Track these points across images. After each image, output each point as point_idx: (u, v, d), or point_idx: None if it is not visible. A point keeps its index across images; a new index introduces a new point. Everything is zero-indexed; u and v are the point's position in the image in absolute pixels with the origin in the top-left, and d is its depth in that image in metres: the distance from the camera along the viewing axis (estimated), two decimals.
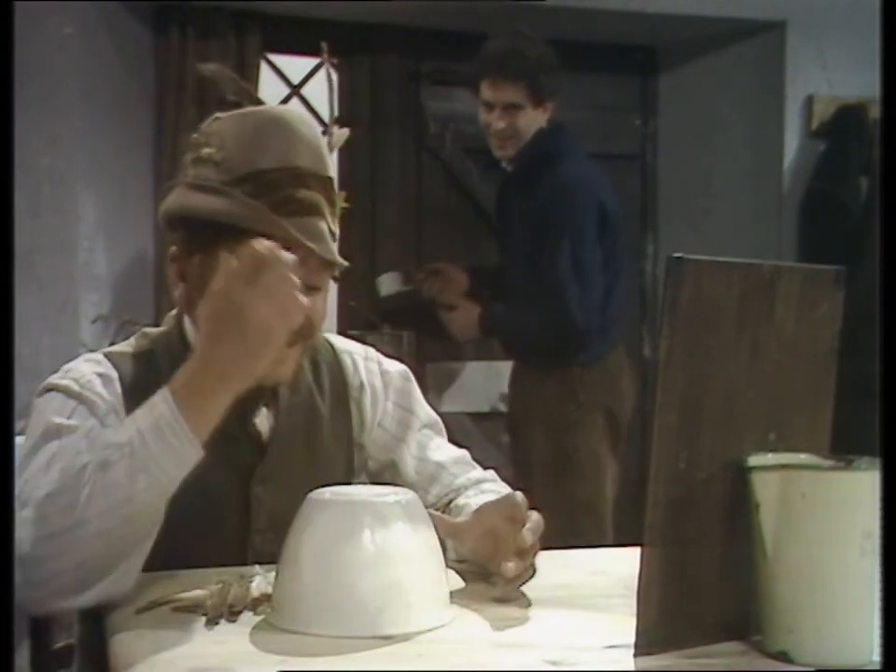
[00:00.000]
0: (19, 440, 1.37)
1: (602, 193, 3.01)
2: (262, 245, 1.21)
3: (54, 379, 1.41)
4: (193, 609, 1.20)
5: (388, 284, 3.48)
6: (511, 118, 3.02)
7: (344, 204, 3.32)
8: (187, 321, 1.47)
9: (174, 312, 1.51)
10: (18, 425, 1.38)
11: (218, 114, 1.45)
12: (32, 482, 1.23)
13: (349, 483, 1.47)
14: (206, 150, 1.39)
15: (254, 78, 3.46)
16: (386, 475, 1.56)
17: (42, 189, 3.15)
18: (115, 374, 1.41)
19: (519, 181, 3.09)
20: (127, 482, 1.15)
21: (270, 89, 3.68)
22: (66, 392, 1.37)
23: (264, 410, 1.46)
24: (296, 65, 3.79)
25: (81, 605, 1.20)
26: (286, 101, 3.77)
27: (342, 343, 1.61)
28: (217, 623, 1.17)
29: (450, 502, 1.55)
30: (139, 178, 3.38)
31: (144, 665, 1.06)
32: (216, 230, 1.35)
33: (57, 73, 3.15)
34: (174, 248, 1.43)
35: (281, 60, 3.75)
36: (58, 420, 1.33)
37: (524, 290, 3.01)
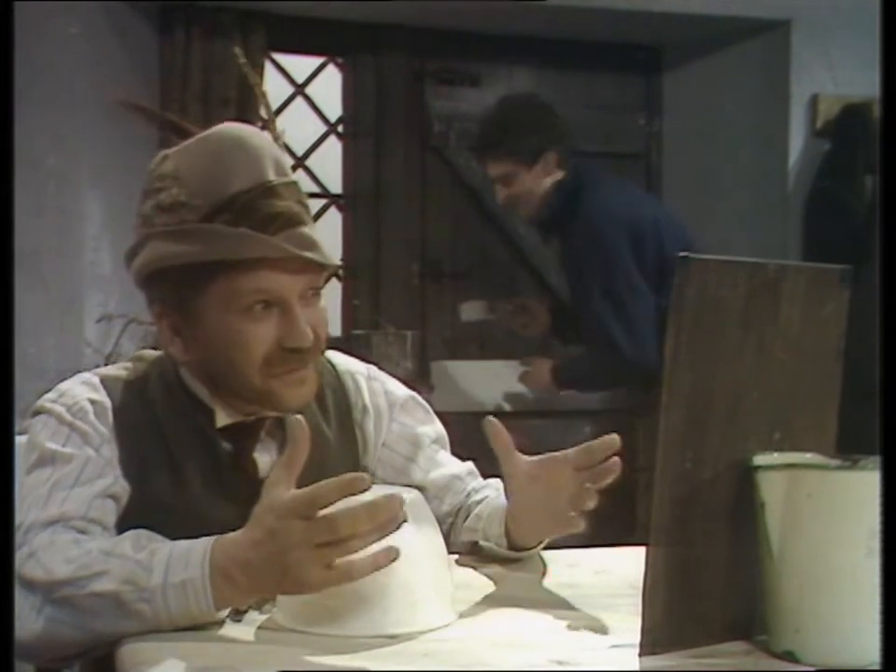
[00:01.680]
0: (20, 439, 1.36)
1: (629, 214, 3.00)
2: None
3: (48, 402, 1.36)
4: None
5: (471, 311, 3.57)
6: (509, 188, 3.06)
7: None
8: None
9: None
10: (20, 423, 1.38)
11: (165, 151, 1.40)
12: (30, 512, 1.23)
13: None
14: (168, 194, 1.34)
15: (258, 78, 3.46)
16: None
17: (47, 188, 3.16)
18: (108, 404, 1.36)
19: (548, 236, 3.22)
20: (135, 620, 1.14)
21: (274, 88, 3.68)
22: (59, 419, 1.33)
23: (265, 442, 1.41)
24: (301, 65, 3.80)
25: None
26: (290, 100, 3.78)
27: (343, 363, 1.55)
28: (222, 623, 1.17)
29: (460, 508, 1.54)
30: (145, 178, 3.37)
31: (149, 664, 1.06)
32: (207, 271, 1.30)
33: (62, 72, 3.16)
34: (158, 306, 1.37)
35: (286, 59, 3.76)
36: (52, 446, 1.31)
37: (588, 334, 3.11)
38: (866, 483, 1.03)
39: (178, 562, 1.15)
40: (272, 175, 1.32)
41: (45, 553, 1.18)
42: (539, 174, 3.02)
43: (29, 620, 1.15)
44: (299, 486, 1.15)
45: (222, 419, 1.38)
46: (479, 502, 1.51)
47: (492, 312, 3.53)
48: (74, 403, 1.35)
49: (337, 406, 1.50)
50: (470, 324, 3.58)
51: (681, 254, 1.04)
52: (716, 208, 3.87)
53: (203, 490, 1.36)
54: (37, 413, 1.37)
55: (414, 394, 1.60)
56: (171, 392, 1.40)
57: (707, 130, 3.91)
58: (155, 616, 1.13)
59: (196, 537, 1.19)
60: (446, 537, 1.40)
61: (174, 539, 1.20)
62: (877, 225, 3.11)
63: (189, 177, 1.33)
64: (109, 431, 1.34)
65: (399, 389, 1.58)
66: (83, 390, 1.37)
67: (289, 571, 1.09)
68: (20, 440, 1.36)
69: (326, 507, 1.09)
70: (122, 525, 1.30)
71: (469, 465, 1.61)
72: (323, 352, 1.42)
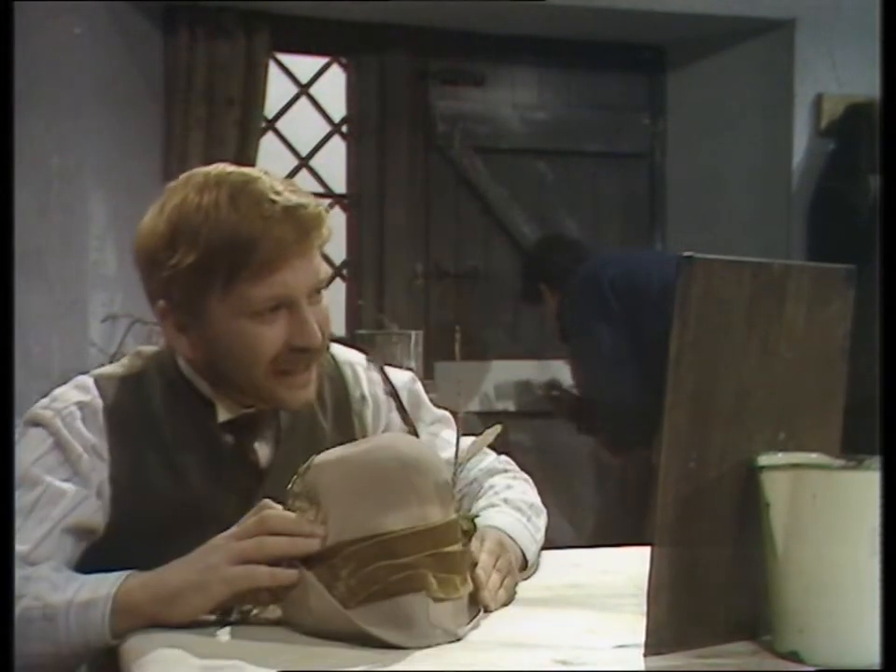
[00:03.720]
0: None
1: (597, 268, 3.25)
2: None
3: (40, 409, 1.35)
4: None
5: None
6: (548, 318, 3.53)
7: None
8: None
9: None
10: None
11: None
12: (19, 543, 1.24)
13: None
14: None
15: (262, 78, 3.47)
16: None
17: (52, 188, 3.16)
18: (100, 404, 1.36)
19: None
20: (35, 640, 1.16)
21: (278, 88, 3.68)
22: (47, 428, 1.33)
23: (263, 435, 1.41)
24: (305, 65, 3.80)
25: None
26: (294, 100, 3.78)
27: (342, 354, 1.55)
28: (227, 622, 1.18)
29: (462, 497, 1.53)
30: (149, 177, 3.38)
31: (155, 663, 1.06)
32: (217, 274, 1.30)
33: (66, 73, 3.16)
34: (163, 302, 1.35)
35: (290, 59, 3.76)
36: (29, 467, 1.30)
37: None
38: (870, 483, 1.03)
39: (92, 583, 1.18)
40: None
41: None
42: (547, 307, 3.45)
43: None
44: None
45: (224, 414, 1.39)
46: (480, 497, 1.50)
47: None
48: (64, 407, 1.34)
49: (335, 396, 1.50)
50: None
51: (685, 254, 1.04)
52: (720, 208, 3.87)
53: (202, 484, 1.36)
54: (29, 423, 1.35)
55: (414, 377, 1.59)
56: (171, 387, 1.40)
57: (710, 129, 3.91)
58: (54, 636, 1.16)
59: (194, 531, 1.20)
60: None
61: (171, 533, 1.21)
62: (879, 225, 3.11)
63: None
64: (97, 435, 1.34)
65: (398, 375, 1.58)
66: (74, 394, 1.37)
67: (199, 575, 1.14)
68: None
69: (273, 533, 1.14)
70: (116, 524, 1.32)
71: (471, 441, 1.58)
72: (326, 350, 1.42)
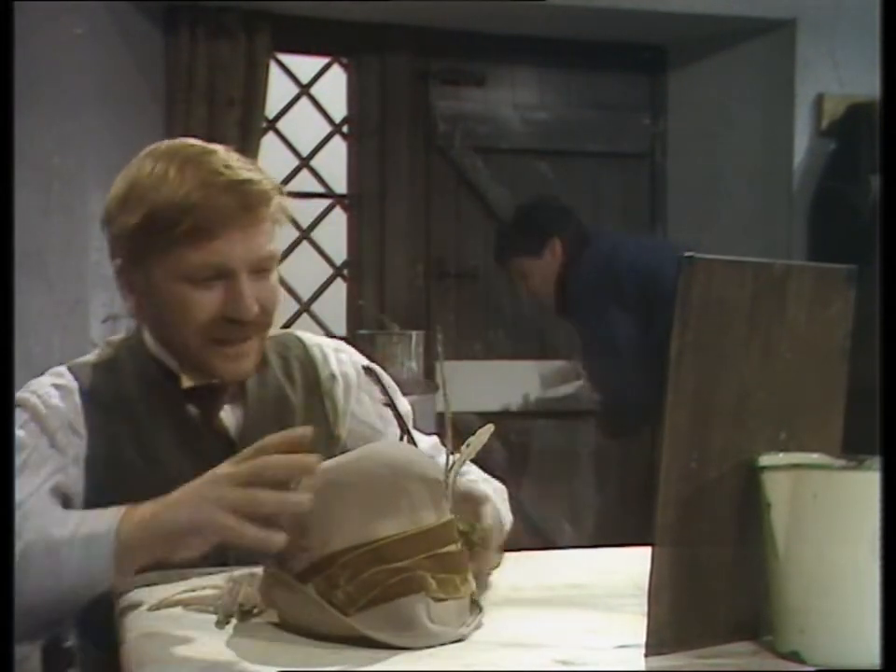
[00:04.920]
0: None
1: (608, 256, 3.21)
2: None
3: (19, 393, 1.42)
4: (204, 608, 1.21)
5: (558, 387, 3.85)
6: (527, 282, 3.37)
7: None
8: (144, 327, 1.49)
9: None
10: None
11: None
12: None
13: None
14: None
15: (263, 78, 3.47)
16: None
17: (53, 188, 3.16)
18: (75, 385, 1.43)
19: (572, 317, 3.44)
20: (37, 576, 1.16)
21: (279, 88, 3.68)
22: (24, 406, 1.40)
23: (230, 406, 1.47)
24: (306, 65, 3.80)
25: None
26: (295, 100, 3.78)
27: (311, 338, 1.62)
28: (227, 623, 1.18)
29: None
30: None
31: (155, 664, 1.06)
32: (161, 237, 1.36)
33: (68, 73, 3.16)
34: (119, 261, 1.44)
35: (290, 59, 3.76)
36: (18, 434, 1.37)
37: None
38: (871, 483, 1.03)
39: (91, 519, 1.20)
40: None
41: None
42: (549, 262, 3.29)
43: None
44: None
45: (187, 381, 1.44)
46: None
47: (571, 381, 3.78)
48: (39, 387, 1.42)
49: (304, 376, 1.55)
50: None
51: (686, 254, 1.04)
52: (721, 208, 3.87)
53: (174, 454, 1.41)
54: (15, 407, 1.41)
55: (379, 369, 1.62)
56: (139, 364, 1.47)
57: (711, 129, 3.91)
58: (56, 570, 1.16)
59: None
60: None
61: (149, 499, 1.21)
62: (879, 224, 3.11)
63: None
64: (75, 410, 1.41)
65: (367, 362, 1.62)
66: (49, 378, 1.45)
67: (197, 529, 1.12)
68: None
69: (267, 482, 1.10)
70: (94, 499, 1.34)
71: (434, 439, 1.62)
72: (269, 327, 1.46)
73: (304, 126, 3.81)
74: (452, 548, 1.15)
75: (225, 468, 1.15)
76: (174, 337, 1.42)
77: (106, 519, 1.19)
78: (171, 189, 1.36)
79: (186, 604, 1.22)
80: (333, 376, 1.57)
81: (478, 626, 1.16)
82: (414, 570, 1.11)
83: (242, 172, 1.38)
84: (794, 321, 1.13)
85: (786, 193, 3.67)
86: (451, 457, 1.29)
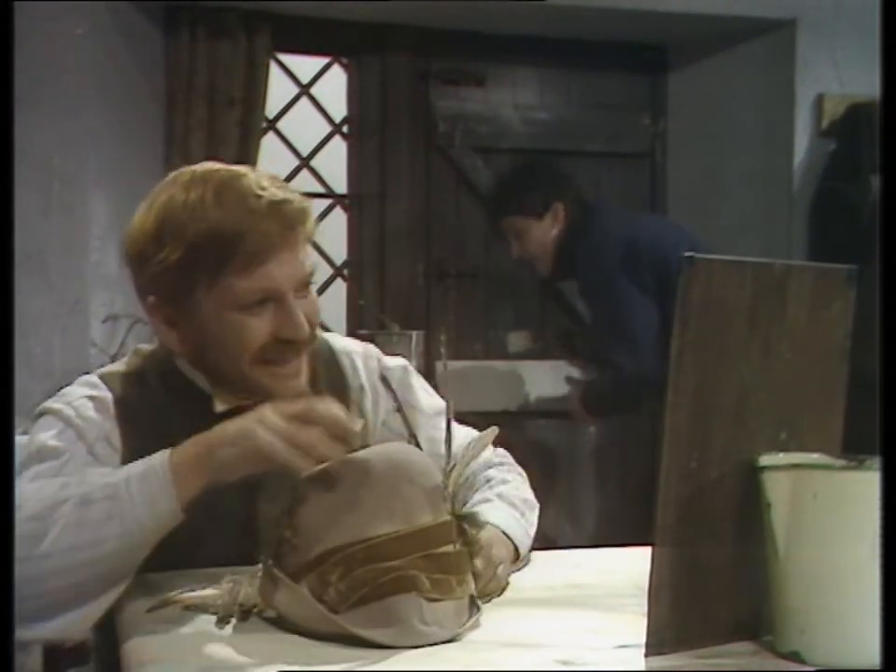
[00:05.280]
0: (24, 438, 1.37)
1: (624, 238, 3.14)
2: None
3: (49, 402, 1.39)
4: (204, 608, 1.21)
5: (516, 342, 3.82)
6: (522, 241, 3.27)
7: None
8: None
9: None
10: (27, 422, 1.39)
11: None
12: (22, 507, 1.21)
13: None
14: None
15: (263, 78, 3.47)
16: None
17: (53, 188, 3.16)
18: (109, 396, 1.40)
19: (564, 280, 3.42)
20: (99, 524, 1.15)
21: (279, 88, 3.68)
22: (57, 415, 1.36)
23: None
24: (306, 65, 3.80)
25: (33, 637, 1.19)
26: (295, 100, 3.78)
27: (339, 343, 1.59)
28: (227, 623, 1.18)
29: (459, 487, 1.53)
30: (150, 178, 3.35)
31: (155, 664, 1.06)
32: (204, 269, 1.33)
33: (68, 73, 3.16)
34: (152, 298, 1.38)
35: (291, 59, 3.76)
36: (46, 442, 1.33)
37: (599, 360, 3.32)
38: (872, 483, 1.03)
39: (139, 462, 1.20)
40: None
41: (19, 510, 1.17)
42: (548, 225, 3.22)
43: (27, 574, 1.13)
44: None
45: (220, 405, 1.41)
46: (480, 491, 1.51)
47: (535, 342, 3.76)
48: (74, 399, 1.38)
49: (331, 386, 1.51)
50: (517, 354, 3.80)
51: (686, 254, 1.04)
52: (721, 208, 3.87)
53: None
54: (40, 415, 1.39)
55: (408, 365, 1.61)
56: (168, 381, 1.43)
57: (711, 129, 3.91)
58: (119, 511, 1.15)
59: (202, 523, 1.21)
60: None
61: (184, 522, 1.20)
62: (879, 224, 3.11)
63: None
64: (111, 423, 1.37)
65: (394, 362, 1.60)
66: (83, 389, 1.40)
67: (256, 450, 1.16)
68: (21, 439, 1.36)
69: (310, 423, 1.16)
70: None
71: (469, 434, 1.55)
72: (314, 340, 1.44)
73: (304, 126, 3.81)
74: (448, 548, 1.15)
75: (275, 409, 1.19)
76: (222, 364, 1.38)
77: (156, 455, 1.20)
78: (214, 219, 1.32)
79: (186, 604, 1.22)
80: (362, 388, 1.55)
81: (474, 627, 1.16)
82: (407, 570, 1.11)
83: (276, 192, 1.35)
84: (794, 321, 1.13)
85: (786, 193, 3.67)
86: (451, 458, 1.29)
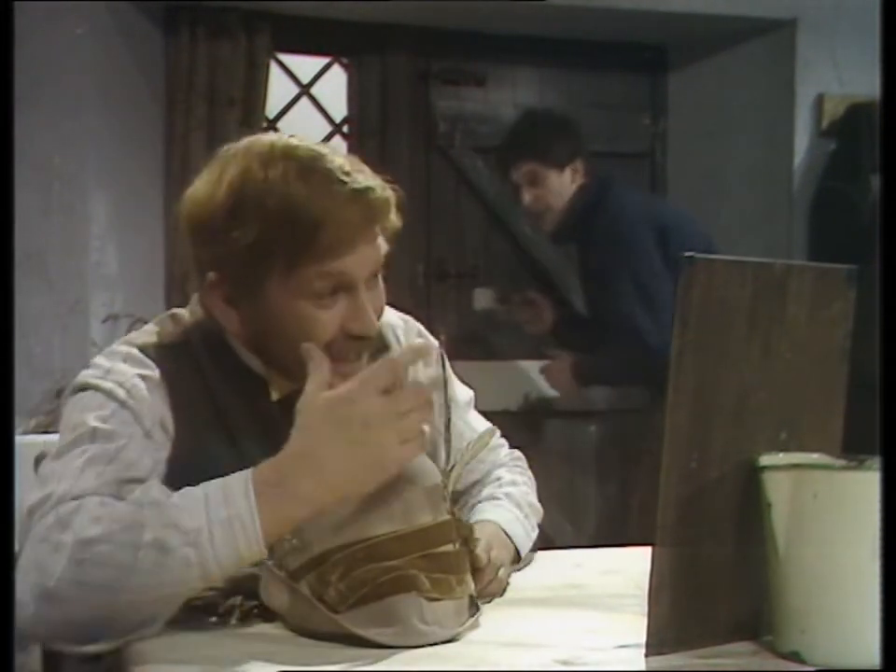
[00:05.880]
0: (24, 438, 1.35)
1: (652, 210, 3.10)
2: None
3: (93, 378, 1.26)
4: (205, 608, 1.20)
5: (481, 299, 3.61)
6: (537, 189, 3.11)
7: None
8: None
9: (196, 301, 1.36)
10: (27, 422, 1.38)
11: None
12: (63, 483, 1.14)
13: None
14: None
15: (263, 78, 3.47)
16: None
17: (53, 188, 3.16)
18: (158, 375, 1.27)
19: (568, 242, 3.28)
20: (180, 570, 1.08)
21: (279, 88, 3.68)
22: (108, 395, 1.24)
23: None
24: (306, 65, 3.80)
25: (87, 652, 1.12)
26: (295, 100, 3.78)
27: (385, 317, 1.45)
28: (228, 623, 1.18)
29: (472, 486, 1.53)
30: (150, 178, 3.38)
31: (156, 665, 1.06)
32: (277, 254, 1.22)
33: (68, 73, 3.16)
34: (213, 275, 1.27)
35: (291, 59, 3.76)
36: (94, 423, 1.21)
37: (605, 336, 3.12)
38: (872, 483, 1.03)
39: (216, 498, 1.09)
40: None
41: (73, 517, 1.09)
42: (567, 179, 3.10)
43: (59, 589, 1.06)
44: None
45: (277, 392, 1.33)
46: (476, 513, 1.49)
47: (501, 303, 3.57)
48: (126, 380, 1.25)
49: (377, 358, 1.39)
50: (482, 312, 3.63)
51: (687, 254, 1.04)
52: (721, 208, 3.87)
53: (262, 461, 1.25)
54: (81, 389, 1.26)
55: (442, 351, 1.56)
56: (220, 360, 1.32)
57: (712, 129, 3.90)
58: (201, 561, 1.08)
59: None
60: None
61: None
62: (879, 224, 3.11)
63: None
64: (165, 406, 1.26)
65: (432, 340, 1.55)
66: (130, 367, 1.27)
67: (369, 455, 1.08)
68: (21, 439, 1.35)
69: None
70: None
71: (488, 429, 1.54)
72: (376, 335, 1.36)
73: (304, 126, 3.80)
74: (448, 548, 1.15)
75: (381, 404, 1.13)
76: (285, 352, 1.27)
77: (238, 492, 1.09)
78: (297, 202, 1.22)
79: (186, 604, 1.22)
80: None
81: (474, 626, 1.16)
82: (407, 569, 1.11)
83: (360, 178, 1.28)
84: (794, 321, 1.13)
85: (786, 193, 3.67)
86: (451, 459, 1.29)
